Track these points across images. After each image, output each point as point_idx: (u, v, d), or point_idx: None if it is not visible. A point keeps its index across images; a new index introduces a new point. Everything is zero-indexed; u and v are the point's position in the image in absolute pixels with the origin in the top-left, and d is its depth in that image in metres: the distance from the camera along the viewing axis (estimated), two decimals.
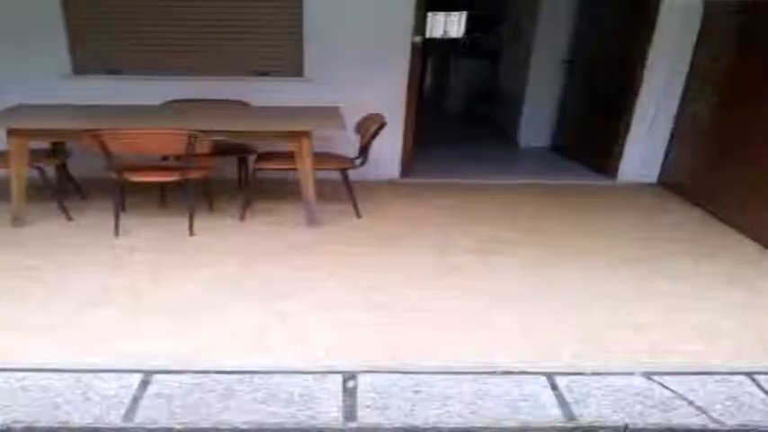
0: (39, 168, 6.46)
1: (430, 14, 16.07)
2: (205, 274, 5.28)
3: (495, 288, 5.07)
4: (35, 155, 6.36)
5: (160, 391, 3.63)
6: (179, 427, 3.36)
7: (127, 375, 3.78)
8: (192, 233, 6.10)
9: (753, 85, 6.29)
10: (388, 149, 7.83)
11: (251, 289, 5.01)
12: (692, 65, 7.41)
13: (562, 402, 3.56)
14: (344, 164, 6.61)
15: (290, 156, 6.16)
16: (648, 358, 4.05)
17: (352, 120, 6.68)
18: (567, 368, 3.90)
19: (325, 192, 6.69)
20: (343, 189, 6.71)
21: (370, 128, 6.47)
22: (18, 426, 3.37)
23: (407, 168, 8.19)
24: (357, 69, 7.57)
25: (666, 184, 7.84)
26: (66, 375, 3.78)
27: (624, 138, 8.04)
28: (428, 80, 15.40)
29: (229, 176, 7.51)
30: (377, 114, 6.58)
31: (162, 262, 5.51)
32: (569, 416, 3.45)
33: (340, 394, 3.60)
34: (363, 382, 3.71)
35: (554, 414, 3.47)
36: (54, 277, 5.20)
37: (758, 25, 6.30)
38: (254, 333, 4.33)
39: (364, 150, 6.58)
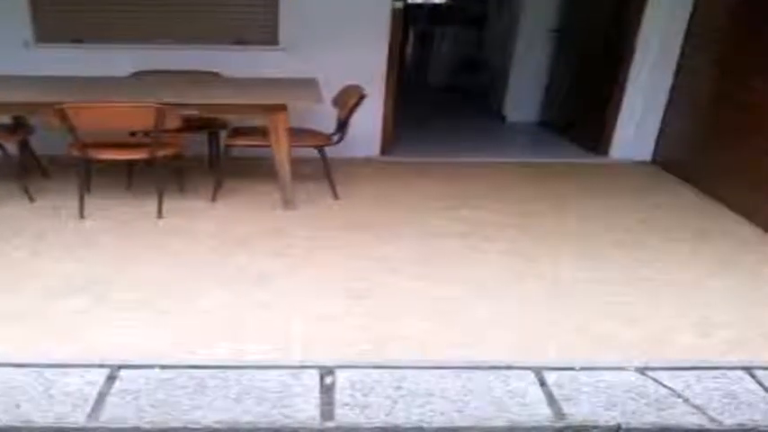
0: None
1: None
2: (175, 260, 5.24)
3: (480, 275, 5.04)
4: None
5: (127, 388, 3.58)
6: (147, 426, 3.32)
7: (92, 370, 3.73)
8: (160, 215, 6.06)
9: (755, 56, 6.23)
10: (368, 125, 7.78)
11: (223, 277, 4.97)
12: (688, 33, 7.37)
13: (551, 400, 3.54)
14: (321, 140, 6.54)
15: (263, 131, 6.10)
16: (641, 351, 4.04)
17: (329, 92, 6.59)
18: (556, 363, 3.88)
19: (300, 170, 6.61)
20: (320, 167, 6.65)
21: (349, 101, 6.41)
22: None
23: (388, 146, 8.16)
24: (335, 38, 7.52)
25: (661, 162, 7.83)
26: (27, 371, 3.72)
27: (616, 113, 8.01)
28: (409, 51, 15.32)
29: (200, 154, 7.43)
30: (356, 86, 6.51)
31: (129, 247, 5.47)
32: (559, 414, 3.43)
33: (317, 391, 3.57)
34: (342, 377, 3.68)
35: (543, 413, 3.45)
36: (13, 264, 5.15)
37: None
38: (225, 324, 4.29)
39: (342, 125, 6.52)
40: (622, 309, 4.56)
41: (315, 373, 3.71)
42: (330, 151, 6.61)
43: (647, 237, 5.79)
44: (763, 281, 5.05)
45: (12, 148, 6.74)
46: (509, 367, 3.80)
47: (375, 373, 3.73)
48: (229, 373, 3.72)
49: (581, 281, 4.98)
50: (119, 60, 7.27)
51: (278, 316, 4.40)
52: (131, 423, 3.34)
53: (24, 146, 6.94)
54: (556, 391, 3.61)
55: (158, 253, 5.37)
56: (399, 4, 7.48)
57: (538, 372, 3.77)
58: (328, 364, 3.80)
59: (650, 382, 3.70)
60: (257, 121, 6.14)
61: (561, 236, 5.80)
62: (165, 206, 6.15)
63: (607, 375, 3.76)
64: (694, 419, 3.41)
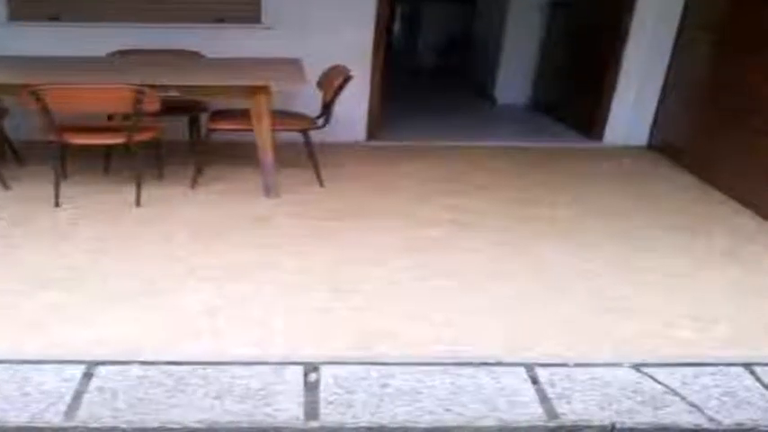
0: None
1: None
2: (153, 250, 5.22)
3: (469, 267, 5.03)
4: None
5: (104, 385, 3.56)
6: (124, 425, 3.31)
7: (68, 367, 3.71)
8: (139, 204, 6.02)
9: (755, 35, 6.20)
10: (354, 108, 7.72)
11: (203, 268, 4.95)
12: (686, 12, 7.33)
13: (543, 398, 3.54)
14: (306, 124, 6.51)
15: (246, 115, 6.07)
16: (636, 347, 4.04)
17: (313, 74, 6.55)
18: (548, 359, 3.87)
19: (284, 156, 6.55)
20: (304, 153, 6.62)
21: (334, 82, 6.36)
22: None
23: (375, 130, 8.13)
24: (319, 16, 7.49)
25: (657, 147, 7.81)
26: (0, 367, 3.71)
27: (610, 95, 7.98)
28: (397, 29, 15.24)
29: (180, 138, 7.37)
30: (341, 67, 6.46)
31: (106, 237, 5.44)
32: (551, 413, 3.43)
33: (301, 389, 3.55)
34: (326, 374, 3.67)
35: (535, 411, 3.44)
36: None
37: None
38: (205, 319, 4.27)
39: (327, 108, 6.49)
40: (616, 301, 4.55)
41: (298, 370, 3.70)
42: (315, 136, 6.58)
43: (641, 225, 5.79)
44: (764, 272, 5.04)
45: None
46: (500, 363, 3.79)
47: (361, 369, 3.72)
48: (210, 370, 3.70)
49: (574, 271, 4.97)
50: (97, 39, 7.19)
51: (260, 310, 4.38)
52: (109, 422, 3.32)
53: None
54: (548, 389, 3.61)
55: (135, 244, 5.34)
56: None
57: (530, 368, 3.77)
58: (312, 360, 3.79)
59: (646, 378, 3.70)
60: (240, 104, 6.10)
61: (552, 225, 5.79)
62: (144, 193, 6.10)
63: (601, 372, 3.75)
64: (691, 418, 3.41)
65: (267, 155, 6.14)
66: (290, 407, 3.42)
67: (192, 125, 7.29)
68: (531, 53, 9.93)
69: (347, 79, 6.27)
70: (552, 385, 3.63)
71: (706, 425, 3.38)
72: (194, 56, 7.10)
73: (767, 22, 6.02)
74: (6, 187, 6.36)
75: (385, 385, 3.59)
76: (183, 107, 6.83)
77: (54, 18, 7.43)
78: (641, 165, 7.45)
